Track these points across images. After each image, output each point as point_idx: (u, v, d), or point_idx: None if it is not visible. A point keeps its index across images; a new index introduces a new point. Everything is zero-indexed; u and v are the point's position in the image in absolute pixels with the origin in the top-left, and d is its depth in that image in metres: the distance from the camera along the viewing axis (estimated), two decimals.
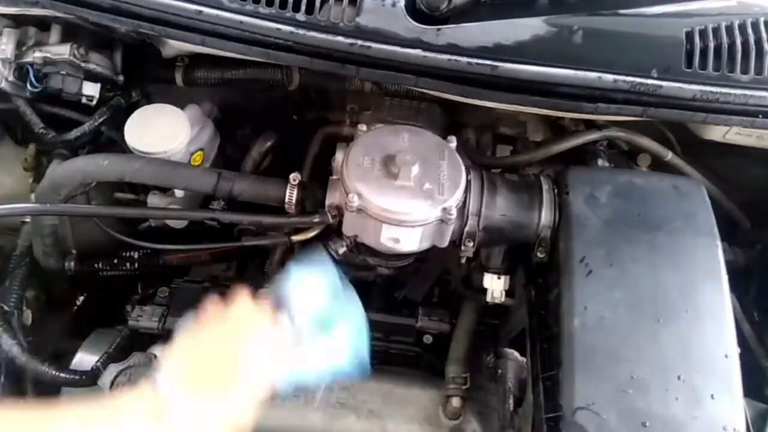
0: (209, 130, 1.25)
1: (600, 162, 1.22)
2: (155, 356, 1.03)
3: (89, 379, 1.04)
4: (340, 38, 0.95)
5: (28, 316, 1.16)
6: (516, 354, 1.09)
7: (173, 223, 1.29)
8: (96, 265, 1.26)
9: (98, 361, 1.07)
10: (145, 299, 1.16)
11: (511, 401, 1.01)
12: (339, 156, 1.03)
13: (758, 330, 1.18)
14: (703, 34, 0.96)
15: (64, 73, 1.13)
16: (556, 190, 0.99)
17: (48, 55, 1.11)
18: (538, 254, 0.97)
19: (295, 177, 1.03)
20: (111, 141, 1.26)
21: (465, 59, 0.95)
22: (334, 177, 1.02)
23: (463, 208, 0.97)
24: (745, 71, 0.96)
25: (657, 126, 1.23)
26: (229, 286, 1.18)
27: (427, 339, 1.13)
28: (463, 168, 0.98)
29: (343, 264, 1.23)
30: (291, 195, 1.02)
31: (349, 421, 1.03)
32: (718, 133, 1.12)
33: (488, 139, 1.27)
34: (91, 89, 1.16)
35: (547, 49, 0.95)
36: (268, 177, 1.08)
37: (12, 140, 1.35)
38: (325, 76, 1.19)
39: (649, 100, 0.97)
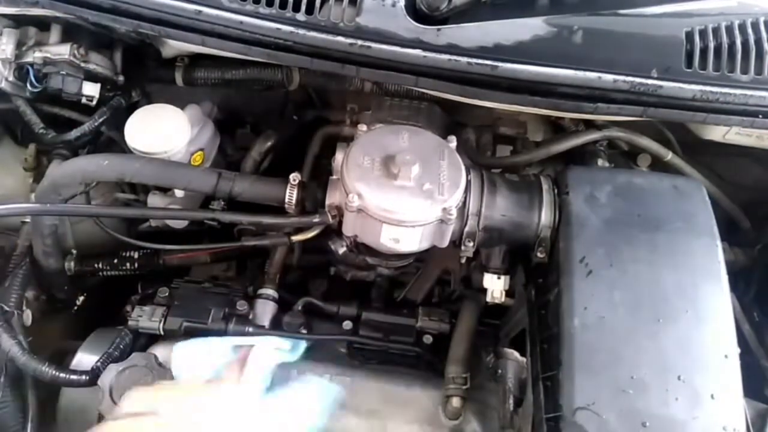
0: (209, 130, 1.25)
1: (600, 162, 1.22)
2: (155, 356, 1.03)
3: (89, 379, 1.04)
4: (340, 38, 0.95)
5: (28, 316, 1.16)
6: (516, 354, 1.09)
7: (173, 223, 1.29)
8: (96, 265, 1.26)
9: (98, 361, 1.07)
10: (145, 299, 1.16)
11: (511, 401, 1.01)
12: (339, 156, 1.03)
13: (758, 330, 1.18)
14: (703, 34, 0.96)
15: (64, 73, 1.13)
16: (556, 190, 0.99)
17: (48, 55, 1.11)
18: (538, 254, 0.97)
19: (295, 177, 1.03)
20: (111, 141, 1.26)
21: (465, 59, 0.95)
22: (334, 177, 1.02)
23: (463, 208, 0.97)
24: (745, 71, 0.96)
25: (657, 126, 1.23)
26: (229, 286, 1.19)
27: (427, 339, 1.13)
28: (463, 168, 0.98)
29: (343, 264, 1.24)
30: (291, 195, 1.02)
31: (349, 421, 1.03)
32: (718, 133, 1.12)
33: (488, 139, 1.27)
34: (91, 89, 1.16)
35: (547, 49, 0.95)
36: (268, 177, 1.08)
37: (12, 140, 1.35)
38: (325, 76, 1.19)
39: (649, 100, 0.97)
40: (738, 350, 0.83)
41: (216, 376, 0.89)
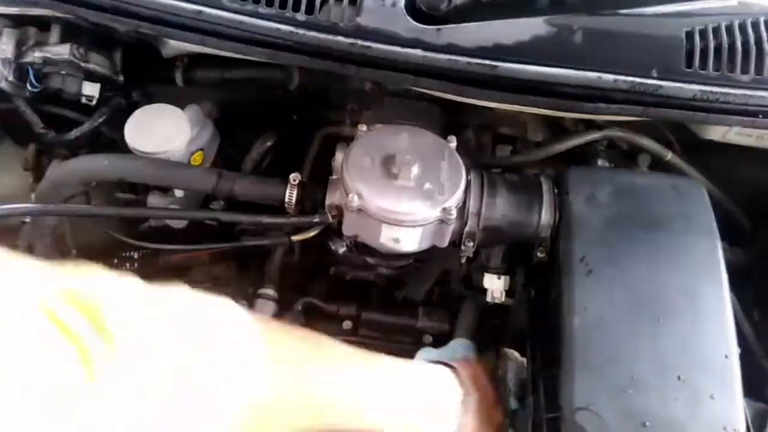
0: (209, 130, 1.25)
1: (600, 162, 1.22)
2: None
3: None
4: (340, 38, 0.95)
5: None
6: (516, 354, 1.09)
7: (173, 223, 1.29)
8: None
9: None
10: None
11: (511, 401, 1.01)
12: (339, 156, 1.03)
13: (758, 330, 1.18)
14: (703, 34, 0.96)
15: (64, 73, 1.13)
16: (556, 190, 0.99)
17: (48, 55, 1.11)
18: (538, 254, 0.97)
19: (295, 177, 1.03)
20: (111, 141, 1.26)
21: (465, 59, 0.95)
22: (334, 177, 1.02)
23: (463, 208, 0.97)
24: (745, 71, 0.96)
25: (657, 126, 1.22)
26: (229, 286, 1.19)
27: (427, 339, 1.13)
28: (463, 168, 0.98)
29: (343, 264, 1.24)
30: (291, 195, 1.02)
31: None
32: (718, 133, 1.12)
33: (488, 139, 1.27)
34: (91, 89, 1.16)
35: (547, 49, 0.95)
36: (268, 177, 1.08)
37: (12, 140, 1.35)
38: (325, 76, 1.19)
39: (649, 100, 0.97)
40: (738, 350, 0.83)
41: None
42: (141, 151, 1.11)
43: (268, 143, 1.26)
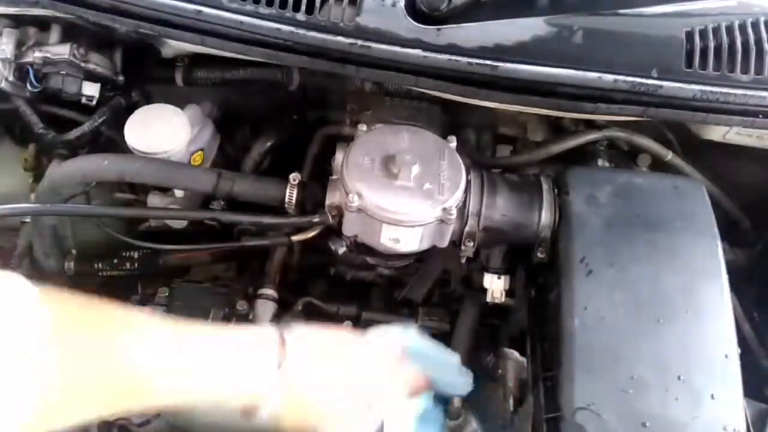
0: (209, 130, 1.25)
1: (600, 162, 1.22)
2: None
3: None
4: (340, 38, 0.95)
5: None
6: (516, 354, 1.09)
7: (173, 223, 1.29)
8: (96, 265, 1.26)
9: None
10: (145, 299, 1.16)
11: (511, 401, 1.01)
12: (339, 156, 1.03)
13: (758, 330, 1.18)
14: (703, 34, 0.96)
15: (64, 73, 1.13)
16: (556, 190, 0.99)
17: (48, 55, 1.11)
18: (538, 254, 0.97)
19: (295, 177, 1.03)
20: (111, 141, 1.25)
21: (465, 59, 0.95)
22: (334, 177, 1.02)
23: (463, 208, 0.97)
24: (745, 71, 0.96)
25: (657, 126, 1.22)
26: (229, 286, 1.19)
27: None
28: (463, 168, 0.98)
29: (343, 264, 1.24)
30: (291, 195, 1.02)
31: None
32: (718, 133, 1.12)
33: (488, 139, 1.27)
34: (91, 89, 1.16)
35: (547, 49, 0.95)
36: (268, 177, 1.08)
37: (12, 140, 1.35)
38: (325, 76, 1.19)
39: (649, 100, 0.97)
40: (738, 350, 0.83)
41: None
42: (141, 151, 1.11)
43: (268, 143, 1.26)
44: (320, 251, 1.18)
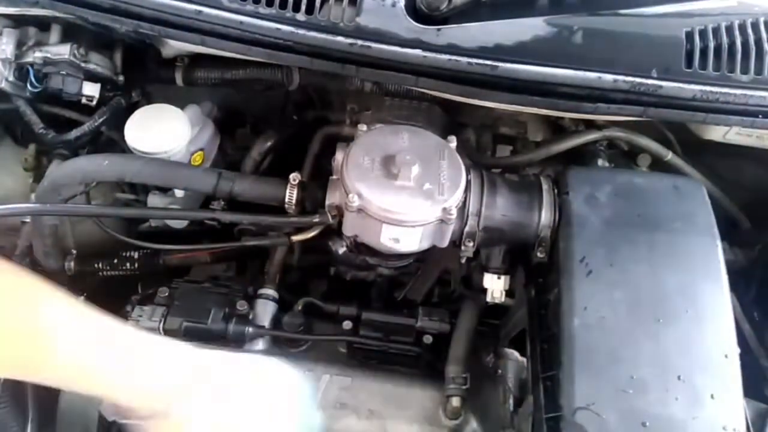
0: (209, 130, 1.25)
1: (600, 162, 1.22)
2: None
3: None
4: (340, 38, 0.95)
5: None
6: (516, 354, 1.09)
7: (173, 223, 1.29)
8: (96, 265, 1.26)
9: None
10: (145, 299, 1.16)
11: (511, 401, 1.01)
12: (339, 156, 1.03)
13: (758, 330, 1.18)
14: (703, 34, 0.96)
15: (64, 73, 1.13)
16: (556, 190, 0.99)
17: (48, 55, 1.11)
18: (538, 254, 0.97)
19: (295, 177, 1.03)
20: (111, 141, 1.26)
21: (465, 59, 0.95)
22: (334, 177, 1.02)
23: (463, 208, 0.97)
24: (745, 71, 0.96)
25: (657, 126, 1.23)
26: (229, 286, 1.19)
27: (427, 339, 1.13)
28: (463, 168, 0.98)
29: (343, 264, 1.24)
30: (291, 195, 1.02)
31: (349, 421, 1.03)
32: (718, 133, 1.12)
33: (488, 139, 1.27)
34: (91, 89, 1.16)
35: (547, 49, 0.95)
36: (268, 177, 1.08)
37: (12, 140, 1.35)
38: (325, 76, 1.19)
39: (649, 100, 0.97)
40: (738, 350, 0.83)
41: None
42: (141, 151, 1.12)
43: (268, 143, 1.26)
44: (320, 251, 1.18)
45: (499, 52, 0.95)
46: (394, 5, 0.95)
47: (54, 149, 1.23)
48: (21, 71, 1.15)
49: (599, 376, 0.80)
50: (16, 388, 1.10)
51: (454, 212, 0.93)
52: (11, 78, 1.14)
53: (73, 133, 1.19)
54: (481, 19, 0.95)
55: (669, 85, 0.95)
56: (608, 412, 0.78)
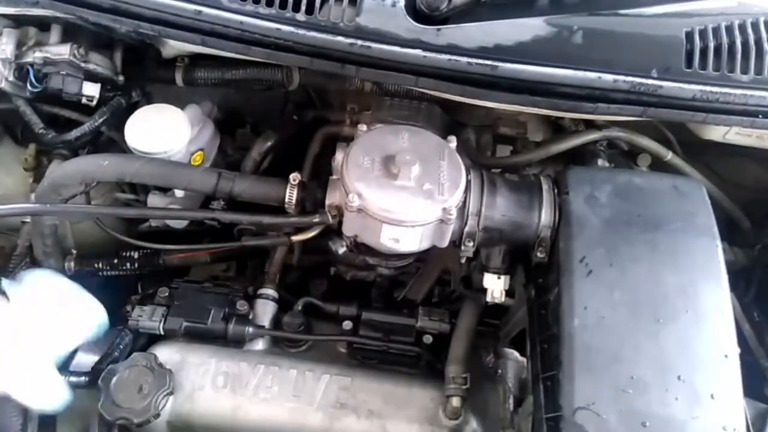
0: (209, 130, 1.25)
1: (600, 162, 1.22)
2: (155, 356, 1.04)
3: (90, 380, 1.04)
4: (340, 38, 0.95)
5: None
6: (516, 354, 1.09)
7: (173, 223, 1.29)
8: (96, 265, 1.26)
9: (98, 361, 1.07)
10: (145, 299, 1.16)
11: (511, 401, 1.01)
12: (339, 156, 1.03)
13: (758, 330, 1.18)
14: (703, 34, 0.96)
15: (64, 73, 1.13)
16: (556, 190, 0.99)
17: (48, 55, 1.11)
18: (538, 254, 0.97)
19: (295, 177, 1.03)
20: (111, 141, 1.26)
21: (465, 59, 0.95)
22: (334, 177, 1.02)
23: (463, 208, 0.97)
24: (745, 71, 0.96)
25: (657, 126, 1.23)
26: (229, 286, 1.19)
27: (427, 339, 1.13)
28: (463, 168, 0.98)
29: (343, 264, 1.24)
30: (291, 195, 1.02)
31: (349, 421, 1.03)
32: (718, 133, 1.12)
33: (488, 139, 1.27)
34: (91, 89, 1.16)
35: (547, 49, 0.95)
36: (268, 177, 1.08)
37: (12, 140, 1.35)
38: (325, 76, 1.19)
39: (649, 100, 0.97)
40: (738, 350, 0.83)
41: None
42: (141, 151, 1.12)
43: (268, 143, 1.26)
44: (320, 251, 1.18)
45: (499, 52, 0.95)
46: (394, 5, 0.95)
47: (54, 149, 1.23)
48: (21, 71, 1.15)
49: (599, 376, 0.80)
50: None
51: (454, 212, 0.93)
52: (11, 78, 1.14)
53: (73, 133, 1.19)
54: (481, 19, 0.95)
55: (669, 85, 0.96)
56: (608, 412, 0.78)
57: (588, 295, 0.86)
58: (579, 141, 1.19)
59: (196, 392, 1.04)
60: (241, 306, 1.13)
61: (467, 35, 0.95)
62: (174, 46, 1.15)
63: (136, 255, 1.27)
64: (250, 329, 1.11)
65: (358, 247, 1.07)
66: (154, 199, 1.22)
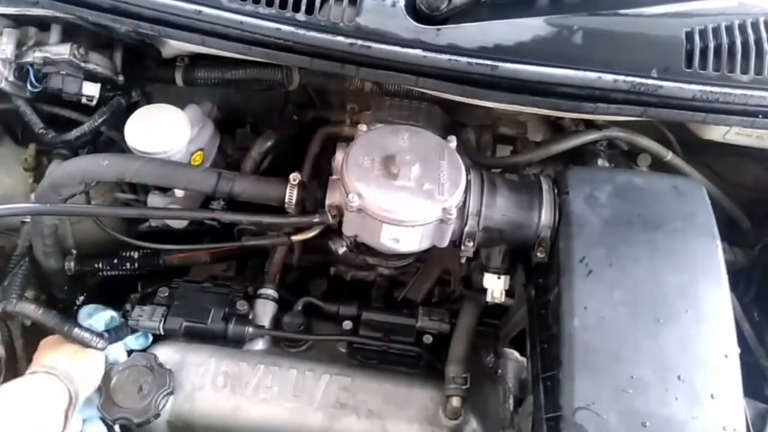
0: (209, 130, 1.25)
1: (600, 162, 1.22)
2: (155, 356, 1.04)
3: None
4: (340, 38, 0.95)
5: None
6: (516, 354, 1.09)
7: (173, 223, 1.29)
8: (96, 265, 1.26)
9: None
10: (145, 299, 1.16)
11: (511, 401, 1.01)
12: (339, 156, 1.03)
13: (758, 330, 1.18)
14: (703, 34, 0.96)
15: (64, 73, 1.13)
16: (556, 190, 0.99)
17: (48, 55, 1.11)
18: (538, 254, 0.97)
19: (295, 177, 1.03)
20: (111, 141, 1.26)
21: (465, 59, 0.95)
22: (334, 177, 1.02)
23: (463, 208, 0.97)
24: (745, 71, 0.96)
25: (657, 126, 1.23)
26: (229, 286, 1.19)
27: (427, 339, 1.13)
28: (463, 168, 0.98)
29: (343, 264, 1.24)
30: (291, 195, 1.02)
31: (349, 421, 1.03)
32: (718, 133, 1.12)
33: (488, 139, 1.27)
34: (91, 89, 1.16)
35: (547, 49, 0.95)
36: (268, 177, 1.08)
37: (12, 140, 1.35)
38: (325, 76, 1.19)
39: (649, 100, 0.97)
40: (738, 350, 0.83)
41: None
42: (141, 151, 1.12)
43: (268, 143, 1.26)
44: (320, 251, 1.18)
45: (498, 52, 0.95)
46: (394, 5, 0.95)
47: (54, 149, 1.23)
48: (21, 71, 1.15)
49: (599, 375, 0.80)
50: None
51: (454, 212, 0.93)
52: (11, 78, 1.14)
53: (73, 133, 1.19)
54: (481, 19, 0.95)
55: (669, 85, 0.96)
56: (608, 412, 0.78)
57: (588, 295, 0.86)
58: (579, 141, 1.19)
59: (196, 392, 1.04)
60: (241, 306, 1.13)
61: (467, 35, 0.95)
62: (174, 46, 1.15)
63: (136, 255, 1.27)
64: (250, 329, 1.11)
65: (358, 247, 1.07)
66: (154, 199, 1.22)
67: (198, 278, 1.23)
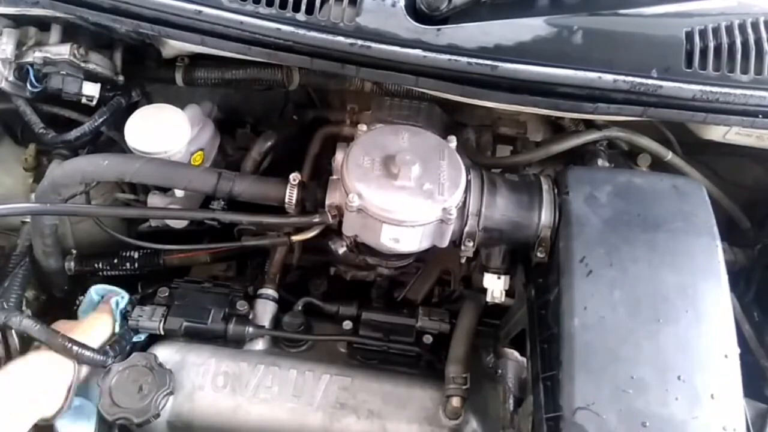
0: (209, 130, 1.25)
1: (600, 162, 1.22)
2: (155, 356, 1.04)
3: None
4: (340, 38, 0.95)
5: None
6: (516, 354, 1.09)
7: (173, 223, 1.29)
8: (96, 265, 1.26)
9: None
10: (145, 299, 1.16)
11: (511, 401, 1.01)
12: (339, 156, 1.03)
13: (758, 330, 1.18)
14: (703, 34, 0.96)
15: (64, 73, 1.13)
16: (556, 190, 0.99)
17: (48, 55, 1.11)
18: (538, 254, 0.97)
19: (295, 177, 1.03)
20: (111, 141, 1.26)
21: (465, 59, 0.95)
22: (334, 177, 1.02)
23: (463, 208, 0.97)
24: (745, 71, 0.96)
25: (657, 126, 1.23)
26: (229, 286, 1.19)
27: (427, 339, 1.13)
28: (463, 168, 0.98)
29: (343, 264, 1.24)
30: (291, 195, 1.02)
31: (349, 421, 1.03)
32: (718, 133, 1.12)
33: (488, 139, 1.27)
34: (91, 89, 1.16)
35: (547, 49, 0.95)
36: (268, 177, 1.08)
37: (12, 140, 1.35)
38: (325, 76, 1.19)
39: (649, 100, 0.97)
40: (738, 350, 0.83)
41: None
42: (141, 151, 1.12)
43: (268, 143, 1.26)
44: (320, 251, 1.18)
45: (499, 52, 0.95)
46: (394, 5, 0.95)
47: (54, 149, 1.23)
48: (21, 71, 1.15)
49: (599, 376, 0.80)
50: None
51: (454, 212, 0.93)
52: (11, 78, 1.14)
53: (73, 133, 1.19)
54: (481, 19, 0.95)
55: (669, 85, 0.96)
56: (608, 412, 0.78)
57: (588, 295, 0.86)
58: (579, 141, 1.19)
59: (196, 392, 1.04)
60: (241, 306, 1.13)
61: (467, 35, 0.95)
62: (174, 46, 1.15)
63: (136, 255, 1.27)
64: (250, 329, 1.11)
65: (358, 247, 1.07)
66: (154, 199, 1.22)
67: (198, 278, 1.23)
